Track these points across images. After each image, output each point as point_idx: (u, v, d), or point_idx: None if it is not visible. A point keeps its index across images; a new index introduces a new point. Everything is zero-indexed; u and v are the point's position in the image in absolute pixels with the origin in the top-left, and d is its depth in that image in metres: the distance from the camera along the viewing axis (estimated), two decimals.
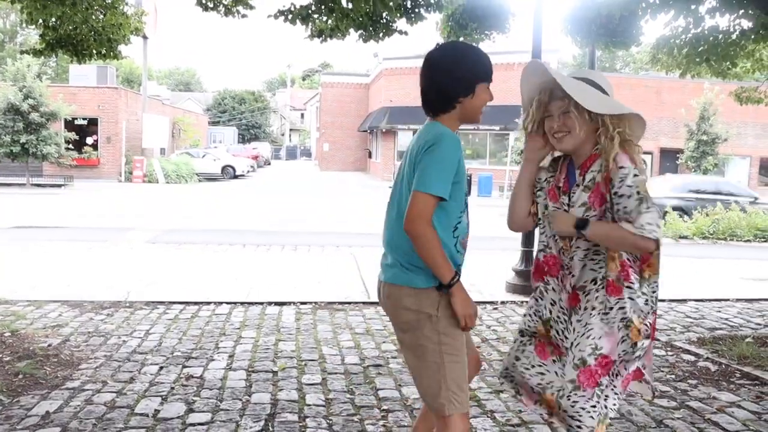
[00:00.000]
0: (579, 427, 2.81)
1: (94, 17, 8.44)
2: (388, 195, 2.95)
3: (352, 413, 4.39)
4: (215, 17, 7.88)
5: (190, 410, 4.38)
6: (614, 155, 2.73)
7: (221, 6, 7.82)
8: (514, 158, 30.78)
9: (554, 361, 2.93)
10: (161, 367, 5.26)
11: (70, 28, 8.41)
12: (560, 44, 33.88)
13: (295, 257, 11.35)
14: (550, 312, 2.94)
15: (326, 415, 4.37)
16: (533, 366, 2.99)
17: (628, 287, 2.78)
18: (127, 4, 9.11)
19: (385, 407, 4.49)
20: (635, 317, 2.78)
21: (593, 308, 2.80)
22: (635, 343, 2.79)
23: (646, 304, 2.81)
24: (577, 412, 2.80)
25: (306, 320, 6.90)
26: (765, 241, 15.96)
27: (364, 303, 7.75)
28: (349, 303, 7.72)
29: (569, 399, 2.82)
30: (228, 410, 4.40)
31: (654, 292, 2.85)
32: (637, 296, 2.79)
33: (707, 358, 5.84)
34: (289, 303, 7.61)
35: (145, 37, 31.15)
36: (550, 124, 2.85)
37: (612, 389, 2.83)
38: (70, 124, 31.35)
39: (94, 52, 8.84)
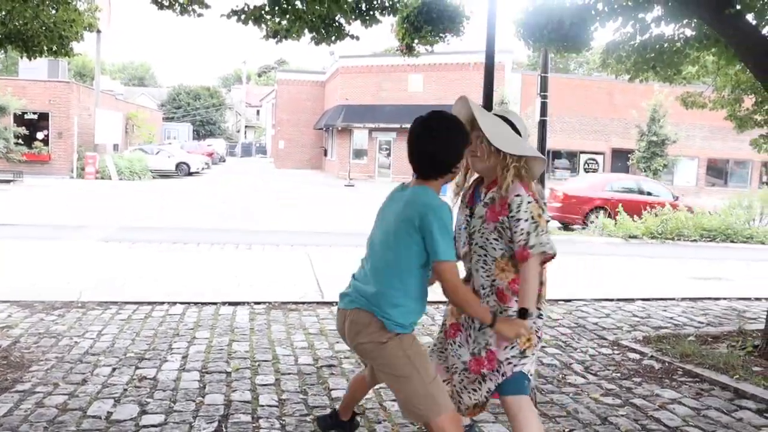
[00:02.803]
0: (459, 402, 3.41)
1: (45, 13, 8.30)
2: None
3: (305, 413, 4.45)
4: (171, 14, 7.83)
5: (144, 412, 4.39)
6: (507, 184, 3.24)
7: (176, 5, 7.77)
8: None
9: (453, 343, 3.50)
10: (114, 369, 5.24)
11: (20, 23, 8.27)
12: (514, 46, 34.33)
13: (249, 256, 11.33)
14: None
15: (279, 415, 4.42)
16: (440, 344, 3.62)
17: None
18: None
19: (337, 407, 4.55)
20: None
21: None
22: (523, 351, 3.26)
23: (540, 317, 3.31)
24: (460, 390, 3.42)
25: (260, 320, 6.92)
26: (710, 241, 16.41)
27: (318, 303, 7.80)
28: (303, 303, 7.76)
29: (460, 376, 3.43)
30: (181, 411, 4.42)
31: (541, 313, 3.32)
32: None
33: (652, 356, 6.03)
34: (243, 303, 7.62)
35: (98, 31, 30.64)
36: (471, 147, 3.33)
37: (491, 380, 3.30)
38: (19, 119, 30.69)
39: (45, 48, 8.71)
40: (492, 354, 3.28)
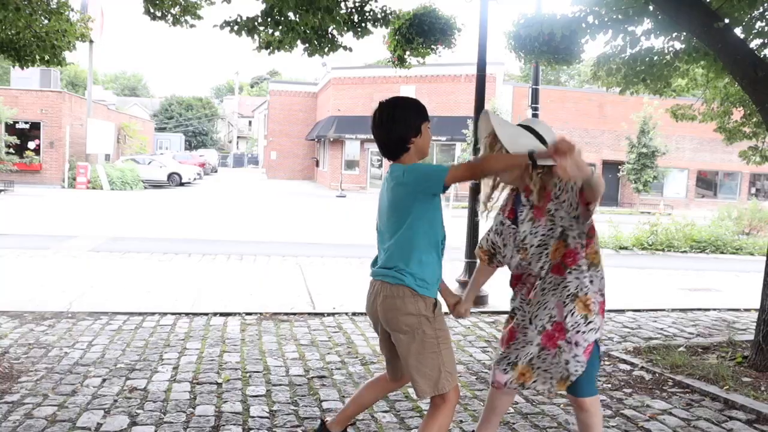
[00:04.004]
0: (552, 378, 3.54)
1: (37, 22, 8.32)
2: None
3: (296, 425, 4.44)
4: (163, 25, 7.87)
5: (134, 423, 4.37)
6: (536, 193, 3.43)
7: (169, 16, 7.80)
8: None
9: (518, 339, 3.60)
10: (104, 380, 5.22)
11: (12, 32, 8.28)
12: (506, 58, 34.47)
13: (240, 267, 11.31)
14: (519, 304, 3.65)
15: (270, 426, 4.41)
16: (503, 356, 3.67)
17: (574, 269, 3.41)
18: (72, 10, 9.01)
19: (329, 419, 4.54)
20: (579, 292, 3.41)
21: (545, 288, 3.47)
22: (586, 316, 3.41)
23: (591, 283, 3.43)
24: (545, 370, 3.53)
25: (251, 331, 6.91)
26: (700, 252, 16.48)
27: (309, 314, 7.79)
28: (295, 314, 7.75)
29: (540, 358, 3.53)
30: (172, 423, 4.40)
31: (602, 278, 3.48)
32: (583, 276, 3.40)
33: (642, 367, 6.04)
34: (235, 314, 7.61)
35: (90, 41, 30.63)
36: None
37: (573, 356, 3.42)
38: (11, 128, 30.64)
39: (37, 57, 8.72)
40: (559, 325, 3.44)
